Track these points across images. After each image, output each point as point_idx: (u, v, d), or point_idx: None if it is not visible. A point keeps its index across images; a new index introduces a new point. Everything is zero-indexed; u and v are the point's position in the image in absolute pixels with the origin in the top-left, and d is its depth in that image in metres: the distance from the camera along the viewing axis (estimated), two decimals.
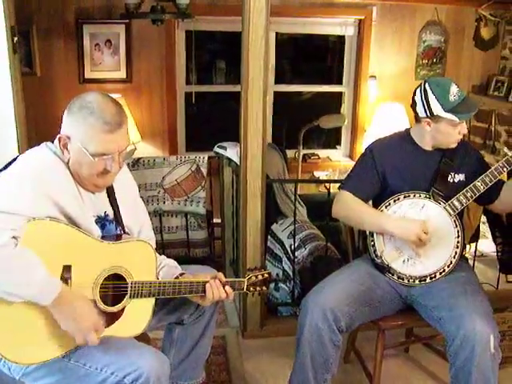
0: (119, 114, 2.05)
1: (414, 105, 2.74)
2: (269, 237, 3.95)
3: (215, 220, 4.52)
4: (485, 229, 4.00)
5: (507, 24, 5.58)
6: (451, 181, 2.75)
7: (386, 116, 5.38)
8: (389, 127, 5.23)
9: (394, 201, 2.71)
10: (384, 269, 2.68)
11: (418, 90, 2.71)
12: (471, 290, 2.59)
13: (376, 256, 2.69)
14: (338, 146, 5.90)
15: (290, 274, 3.71)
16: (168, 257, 2.48)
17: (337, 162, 5.79)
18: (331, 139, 5.95)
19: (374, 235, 2.70)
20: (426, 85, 2.67)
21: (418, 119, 2.74)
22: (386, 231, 2.64)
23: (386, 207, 2.70)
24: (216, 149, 4.06)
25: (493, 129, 5.63)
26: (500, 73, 5.72)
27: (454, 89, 2.64)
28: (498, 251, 3.49)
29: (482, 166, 2.82)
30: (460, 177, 2.78)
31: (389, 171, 2.76)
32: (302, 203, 4.48)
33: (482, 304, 2.51)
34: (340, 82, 5.72)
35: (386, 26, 5.36)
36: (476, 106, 2.74)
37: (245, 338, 3.51)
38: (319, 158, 5.74)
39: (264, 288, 2.49)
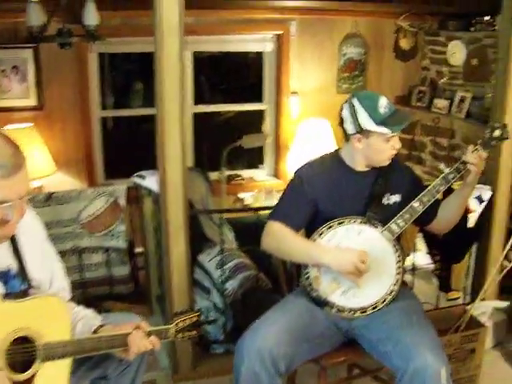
0: (17, 155, 1.79)
1: (341, 122, 2.58)
2: (196, 268, 3.72)
3: (139, 249, 4.25)
4: (417, 241, 3.90)
5: (426, 34, 5.58)
6: (386, 203, 2.60)
7: (310, 132, 5.26)
8: (313, 143, 5.15)
9: (328, 228, 2.52)
10: (322, 303, 2.49)
11: (345, 106, 2.55)
12: (417, 320, 2.44)
13: (312, 289, 2.50)
14: (260, 166, 5.74)
15: (221, 307, 3.49)
16: (90, 296, 2.22)
17: (261, 181, 5.63)
18: (254, 159, 5.78)
19: (309, 267, 2.51)
20: (353, 99, 2.52)
21: (347, 138, 2.58)
22: (322, 263, 2.45)
23: (319, 236, 2.52)
24: (134, 179, 3.81)
25: (417, 139, 5.60)
26: (421, 83, 5.70)
27: (383, 101, 2.50)
28: (437, 269, 3.38)
29: (418, 185, 2.69)
30: (396, 198, 2.62)
31: (320, 197, 2.58)
32: (229, 227, 4.27)
33: (430, 335, 2.36)
34: (261, 100, 5.55)
35: (306, 41, 5.24)
36: (408, 117, 2.61)
37: (176, 381, 3.26)
38: (243, 178, 5.57)
39: (194, 332, 2.26)
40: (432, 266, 3.83)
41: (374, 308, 2.46)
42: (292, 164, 5.38)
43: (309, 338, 2.43)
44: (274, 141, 5.56)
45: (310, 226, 2.58)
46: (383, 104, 2.49)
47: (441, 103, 5.45)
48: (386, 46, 5.51)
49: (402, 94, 5.70)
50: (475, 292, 3.43)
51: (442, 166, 2.65)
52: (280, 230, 2.53)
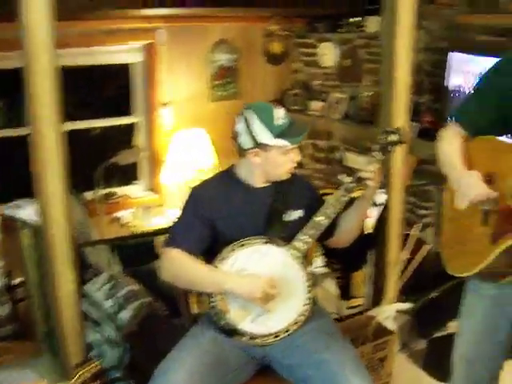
0: None
1: (235, 137, 2.41)
2: (83, 300, 3.41)
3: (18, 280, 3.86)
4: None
5: (295, 37, 5.54)
6: (288, 219, 2.47)
7: (186, 143, 5.07)
8: (190, 154, 4.96)
9: (230, 252, 2.34)
10: (231, 332, 2.30)
11: (239, 119, 2.38)
12: (334, 340, 2.33)
13: (219, 319, 2.30)
14: (136, 181, 5.48)
15: (115, 339, 3.22)
16: None
17: (139, 198, 5.38)
18: (128, 175, 5.49)
19: (215, 295, 2.31)
20: (247, 112, 2.36)
21: (242, 153, 2.41)
22: (227, 291, 2.27)
23: (221, 261, 2.33)
24: (6, 210, 3.45)
25: None
26: (294, 86, 5.66)
27: (279, 112, 2.36)
28: (337, 277, 3.30)
29: (318, 198, 2.59)
30: (298, 213, 2.50)
31: (218, 218, 2.40)
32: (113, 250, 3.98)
33: (351, 355, 2.27)
34: (132, 113, 5.28)
35: (176, 50, 5.03)
36: (305, 127, 2.48)
37: None
38: (119, 196, 5.29)
39: (99, 382, 2.02)
40: (329, 274, 3.75)
41: (286, 332, 2.31)
42: (168, 177, 5.20)
43: (222, 373, 2.26)
44: (149, 154, 5.30)
45: (211, 250, 2.39)
46: (279, 115, 2.35)
47: (316, 105, 5.44)
48: (257, 50, 5.42)
49: (276, 97, 5.62)
50: (376, 297, 3.38)
51: (341, 176, 2.54)
52: (178, 257, 2.33)
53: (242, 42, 5.33)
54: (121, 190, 5.33)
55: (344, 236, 2.59)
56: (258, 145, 2.34)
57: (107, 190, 5.19)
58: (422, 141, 4.29)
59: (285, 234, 2.40)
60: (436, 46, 4.49)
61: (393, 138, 2.49)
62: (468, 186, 1.97)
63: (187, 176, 5.10)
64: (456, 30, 4.44)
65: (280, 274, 2.32)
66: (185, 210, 2.46)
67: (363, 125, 5.06)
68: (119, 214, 5.18)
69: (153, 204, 5.20)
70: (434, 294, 3.40)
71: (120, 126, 5.31)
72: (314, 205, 2.50)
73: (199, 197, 2.44)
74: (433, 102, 4.66)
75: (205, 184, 2.51)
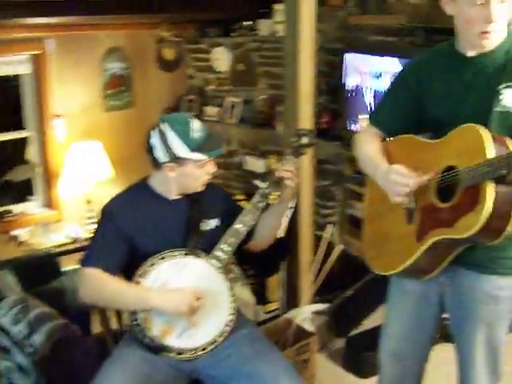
0: None
1: (150, 150, 2.34)
2: None
3: None
4: None
5: (188, 43, 5.50)
6: (205, 229, 2.44)
7: (81, 155, 4.91)
8: (86, 167, 4.83)
9: (150, 266, 2.28)
10: (157, 349, 2.24)
11: (155, 133, 2.32)
12: (262, 348, 2.32)
13: (144, 336, 2.23)
14: (31, 197, 5.24)
15: (27, 366, 3.06)
16: None
17: (36, 214, 5.14)
18: (22, 191, 5.25)
19: (137, 313, 2.24)
20: (163, 125, 2.30)
21: (157, 166, 2.35)
22: (153, 307, 2.21)
23: (142, 276, 2.26)
24: None
25: None
26: (189, 92, 5.63)
27: (195, 124, 2.32)
28: (252, 283, 3.29)
29: (233, 205, 2.59)
30: (214, 222, 2.47)
31: (135, 232, 2.33)
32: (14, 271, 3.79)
33: (281, 361, 2.27)
34: (23, 127, 5.05)
35: (66, 59, 4.86)
36: (222, 139, 2.46)
37: None
38: (15, 214, 5.04)
39: None
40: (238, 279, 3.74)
41: (213, 343, 2.27)
42: (65, 192, 5.04)
43: None
44: (43, 169, 5.09)
45: (130, 265, 2.31)
46: (196, 128, 2.31)
47: (211, 110, 5.43)
48: (150, 57, 5.34)
49: (172, 104, 5.56)
50: (292, 300, 3.40)
51: (257, 181, 2.53)
52: (97, 277, 2.25)
53: (134, 50, 5.23)
54: (16, 208, 5.09)
55: (262, 240, 2.58)
56: (175, 159, 2.29)
57: (2, 209, 4.96)
58: (321, 141, 4.36)
59: (204, 244, 2.37)
60: (331, 47, 4.59)
61: (305, 140, 2.50)
62: (400, 177, 1.96)
63: (85, 189, 4.95)
64: (349, 31, 4.55)
65: (203, 285, 2.29)
66: (99, 227, 2.38)
67: (260, 128, 5.11)
68: (16, 232, 4.94)
69: (51, 220, 5.01)
70: (348, 293, 3.46)
71: (12, 140, 5.06)
72: (229, 212, 2.48)
73: (113, 213, 2.35)
74: (329, 103, 4.76)
75: (118, 199, 2.43)
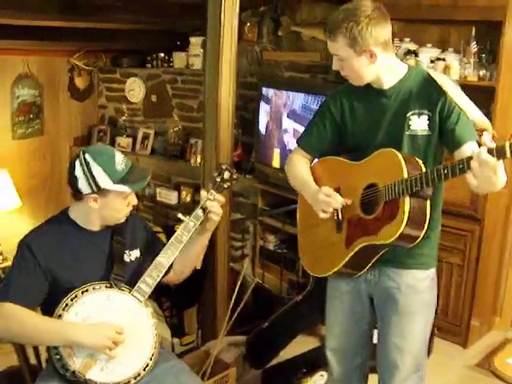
0: None
1: (73, 181, 2.29)
2: None
3: None
4: None
5: (100, 72, 5.44)
6: (128, 260, 2.41)
7: None
8: None
9: (72, 300, 2.23)
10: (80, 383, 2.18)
11: (78, 163, 2.27)
12: (187, 380, 2.33)
13: (67, 371, 2.18)
14: None
15: None
16: None
17: None
18: None
19: (59, 347, 2.18)
20: (87, 155, 2.26)
21: (79, 197, 2.30)
22: (74, 342, 2.16)
23: (64, 310, 2.21)
24: None
25: None
26: (100, 122, 5.56)
27: (118, 157, 2.30)
28: (166, 316, 3.26)
29: (152, 235, 2.58)
30: (136, 253, 2.45)
31: (55, 265, 2.26)
32: None
33: None
34: None
35: None
36: (147, 172, 2.44)
37: None
38: None
39: None
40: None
41: (136, 377, 2.24)
42: None
43: None
44: None
45: (52, 300, 2.25)
46: (119, 160, 2.29)
47: (123, 141, 5.40)
48: (61, 85, 5.27)
49: (82, 134, 5.48)
50: (208, 332, 3.40)
51: (180, 215, 2.52)
52: (14, 312, 2.17)
53: (46, 77, 5.14)
54: None
55: (180, 272, 2.57)
56: (98, 190, 2.27)
57: None
58: None
59: (127, 277, 2.34)
60: (244, 81, 4.67)
61: (226, 175, 2.53)
62: (326, 198, 2.24)
63: None
64: (263, 66, 4.65)
65: (126, 319, 2.25)
66: (17, 260, 2.29)
67: (173, 160, 5.11)
68: None
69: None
70: (264, 325, 3.48)
71: None
72: (148, 244, 2.49)
73: (33, 245, 2.27)
74: (241, 135, 4.83)
75: (37, 232, 2.36)
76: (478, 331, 3.95)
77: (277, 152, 4.53)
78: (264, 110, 4.54)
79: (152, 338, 2.30)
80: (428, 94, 2.16)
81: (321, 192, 2.26)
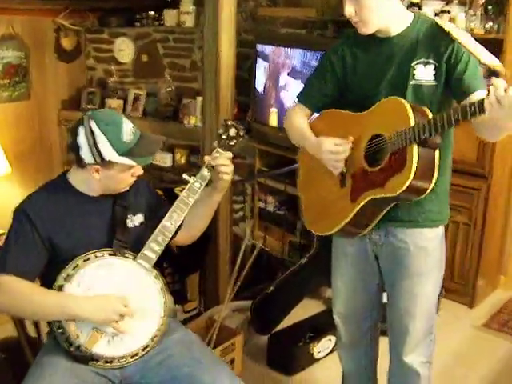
0: None
1: (75, 148, 2.14)
2: None
3: None
4: None
5: (88, 32, 5.25)
6: (131, 225, 2.29)
7: None
8: None
9: (73, 269, 2.10)
10: (85, 358, 2.07)
11: (82, 130, 2.11)
12: (198, 351, 2.21)
13: (71, 345, 2.06)
14: None
15: None
16: None
17: None
18: None
19: (62, 321, 2.06)
20: (93, 123, 2.10)
21: (81, 165, 2.16)
22: (79, 317, 2.05)
23: (65, 280, 2.08)
24: None
25: None
26: (89, 84, 5.38)
27: (127, 126, 2.15)
28: (168, 283, 3.14)
29: (157, 199, 2.45)
30: (139, 218, 2.32)
31: (56, 234, 2.14)
32: None
33: (217, 363, 2.23)
34: None
35: None
36: (158, 143, 2.29)
37: None
38: None
39: None
40: None
41: (145, 349, 2.14)
42: None
43: None
44: None
45: (52, 270, 2.13)
46: (128, 130, 2.14)
47: (114, 103, 5.24)
48: (48, 47, 5.05)
49: (70, 96, 5.30)
50: (211, 298, 3.30)
51: (185, 175, 2.39)
52: (11, 284, 2.05)
53: (31, 38, 4.91)
54: None
55: (192, 232, 2.46)
56: (102, 161, 2.12)
57: None
58: None
59: (130, 243, 2.23)
60: (239, 39, 4.50)
61: (232, 132, 2.39)
62: (330, 147, 2.16)
63: None
64: (259, 23, 4.49)
65: (132, 288, 2.14)
66: (13, 228, 2.16)
67: (165, 121, 4.96)
68: None
69: None
70: (269, 290, 3.39)
71: None
72: (154, 207, 2.36)
73: (30, 212, 2.14)
74: (237, 95, 4.66)
75: (34, 197, 2.22)
76: (484, 291, 3.90)
77: (274, 111, 4.38)
78: (261, 67, 4.39)
79: (159, 306, 2.19)
80: (435, 42, 2.08)
81: (325, 141, 2.18)
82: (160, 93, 5.01)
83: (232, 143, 2.38)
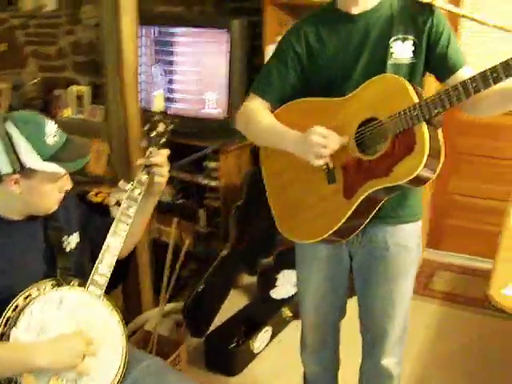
0: None
1: None
2: None
3: None
4: None
5: None
6: (69, 248, 1.99)
7: None
8: None
9: (14, 310, 1.77)
10: None
11: None
12: (167, 376, 2.03)
13: None
14: None
15: None
16: None
17: None
18: None
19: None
20: (8, 123, 1.77)
21: None
22: (39, 368, 1.73)
23: (9, 327, 1.75)
24: None
25: None
26: None
27: (50, 127, 1.83)
28: None
29: (89, 212, 2.17)
30: (75, 238, 2.03)
31: None
32: None
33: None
34: None
35: None
36: (87, 147, 1.98)
37: None
38: None
39: None
40: None
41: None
42: None
43: None
44: None
45: None
46: (51, 131, 1.81)
47: None
48: None
49: None
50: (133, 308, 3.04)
51: (121, 183, 2.09)
52: None
53: None
54: None
55: (129, 244, 2.16)
56: (22, 170, 1.78)
57: None
58: None
59: (73, 267, 1.95)
60: None
61: (161, 127, 2.14)
62: (320, 139, 1.85)
63: None
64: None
65: (89, 321, 1.86)
66: None
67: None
68: None
69: None
70: (199, 288, 3.16)
71: None
72: (86, 222, 2.09)
73: None
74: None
75: None
76: None
77: (160, 93, 4.10)
78: (144, 51, 4.07)
79: (120, 336, 1.92)
80: (412, 15, 1.91)
81: (312, 133, 1.85)
82: (26, 85, 4.54)
83: (163, 140, 2.12)
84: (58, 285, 1.87)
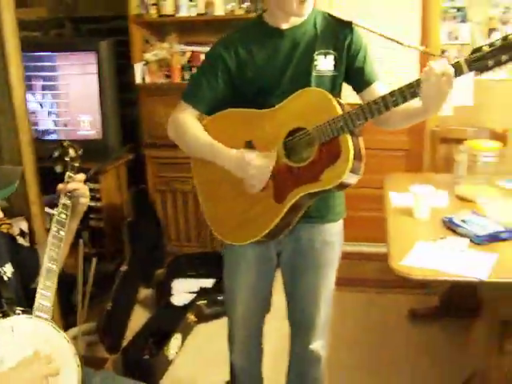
0: None
1: None
2: None
3: None
4: None
5: None
6: (6, 278, 2.00)
7: None
8: None
9: None
10: None
11: None
12: None
13: None
14: None
15: None
16: None
17: None
18: None
19: None
20: None
21: None
22: None
23: None
24: None
25: None
26: None
27: None
28: None
29: (14, 241, 2.20)
30: (9, 268, 2.04)
31: None
32: None
33: None
34: None
35: None
36: (16, 174, 2.00)
37: None
38: None
39: None
40: None
41: None
42: None
43: None
44: None
45: None
46: None
47: None
48: None
49: None
50: None
51: (46, 209, 2.11)
52: None
53: None
54: None
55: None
56: None
57: None
58: None
59: (14, 296, 1.96)
60: None
61: (72, 152, 2.21)
62: (260, 161, 2.05)
63: None
64: None
65: (44, 344, 1.89)
66: None
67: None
68: None
69: None
70: (108, 306, 3.19)
71: None
72: (14, 251, 2.10)
73: None
74: None
75: None
76: None
77: None
78: None
79: (72, 355, 1.97)
80: (335, 33, 2.11)
81: (252, 167, 2.05)
82: None
83: (77, 164, 2.19)
84: (7, 315, 1.88)
